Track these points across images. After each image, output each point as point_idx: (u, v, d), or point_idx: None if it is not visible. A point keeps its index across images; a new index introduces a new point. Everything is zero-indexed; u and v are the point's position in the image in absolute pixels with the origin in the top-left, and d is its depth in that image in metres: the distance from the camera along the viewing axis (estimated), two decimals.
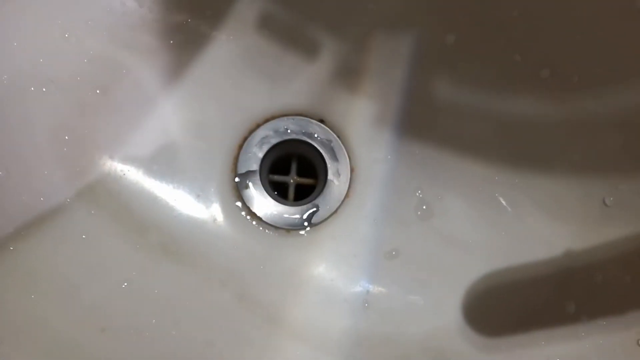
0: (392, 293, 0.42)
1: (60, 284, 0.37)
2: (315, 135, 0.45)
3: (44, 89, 0.39)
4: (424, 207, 0.43)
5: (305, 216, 0.44)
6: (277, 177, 0.47)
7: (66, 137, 0.40)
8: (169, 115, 0.42)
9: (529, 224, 0.41)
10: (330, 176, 0.45)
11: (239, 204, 0.44)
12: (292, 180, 0.47)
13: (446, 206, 0.43)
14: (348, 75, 0.44)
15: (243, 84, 0.44)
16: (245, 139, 0.44)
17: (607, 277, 0.39)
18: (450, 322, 0.41)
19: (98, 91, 0.41)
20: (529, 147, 0.41)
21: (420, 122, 0.44)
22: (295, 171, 0.47)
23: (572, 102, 0.39)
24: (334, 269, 0.43)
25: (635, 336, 0.36)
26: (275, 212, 0.44)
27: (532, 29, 0.39)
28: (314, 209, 0.44)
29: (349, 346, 0.41)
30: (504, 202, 0.42)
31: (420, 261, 0.43)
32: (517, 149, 0.42)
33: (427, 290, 0.42)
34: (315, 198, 0.45)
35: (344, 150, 0.45)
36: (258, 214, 0.44)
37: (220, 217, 0.43)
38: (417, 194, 0.43)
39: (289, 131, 0.45)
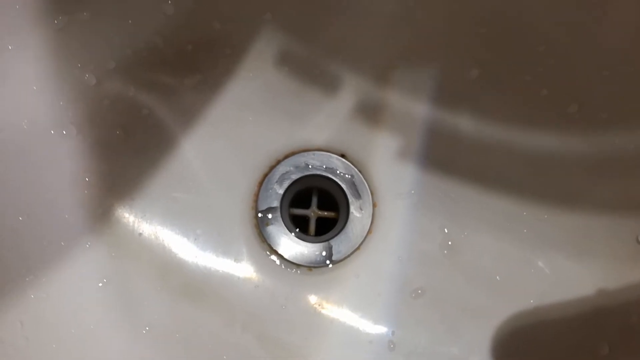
0: (418, 334, 0.41)
1: (81, 331, 0.37)
2: (337, 171, 0.44)
3: (64, 132, 0.39)
4: (450, 244, 0.42)
5: (326, 253, 0.43)
6: (297, 211, 0.47)
7: (87, 179, 0.40)
8: (189, 155, 0.42)
9: (559, 262, 0.40)
10: (352, 212, 0.44)
11: (260, 242, 0.43)
12: (312, 214, 0.46)
13: (472, 243, 0.42)
14: (369, 109, 0.43)
15: (263, 121, 0.43)
16: (265, 175, 0.44)
17: None
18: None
19: (118, 132, 0.41)
20: (557, 183, 0.40)
21: (443, 157, 0.43)
22: (316, 205, 0.47)
23: (601, 138, 0.38)
24: (358, 308, 0.42)
25: None
26: (297, 250, 0.43)
27: (559, 63, 0.38)
28: (336, 245, 0.44)
29: None
30: (532, 239, 0.41)
31: (447, 300, 0.42)
32: (544, 185, 0.41)
33: (454, 331, 0.41)
34: (337, 234, 0.44)
35: (366, 185, 0.44)
36: (279, 252, 0.43)
37: (241, 256, 0.42)
38: (442, 230, 0.43)
39: (309, 166, 0.44)
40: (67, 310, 0.37)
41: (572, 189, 0.40)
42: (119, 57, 0.40)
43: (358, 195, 0.44)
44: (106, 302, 0.38)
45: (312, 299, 0.42)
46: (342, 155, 0.44)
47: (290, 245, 0.44)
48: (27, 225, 0.37)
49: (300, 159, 0.44)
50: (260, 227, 0.43)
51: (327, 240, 0.44)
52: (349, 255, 0.43)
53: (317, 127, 0.44)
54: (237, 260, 0.42)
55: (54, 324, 0.36)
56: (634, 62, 0.36)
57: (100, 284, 0.38)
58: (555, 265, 0.40)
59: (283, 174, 0.44)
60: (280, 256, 0.43)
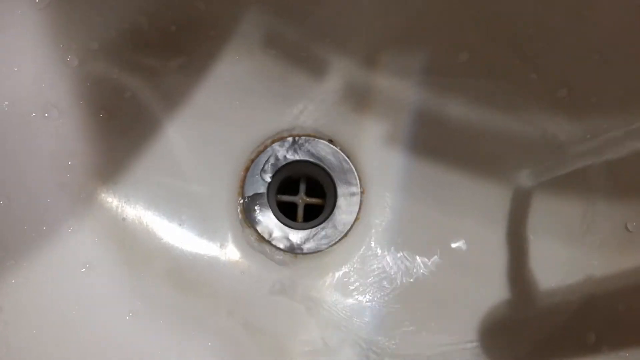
0: (404, 319, 0.41)
1: (62, 316, 0.36)
2: (325, 156, 0.44)
3: (46, 114, 0.38)
4: (437, 230, 0.42)
5: (313, 240, 0.43)
6: (285, 197, 0.46)
7: (69, 163, 0.39)
8: (173, 139, 0.41)
9: (548, 249, 0.39)
10: (340, 198, 0.43)
11: (246, 228, 0.42)
12: (300, 201, 0.46)
13: (460, 229, 0.42)
14: (357, 94, 0.42)
15: (249, 105, 0.42)
16: (252, 160, 0.43)
17: (630, 305, 0.37)
18: (465, 348, 0.40)
19: (101, 115, 0.40)
20: (546, 168, 0.40)
21: (431, 142, 0.42)
22: (304, 191, 0.46)
23: (590, 123, 0.38)
24: (344, 295, 0.41)
25: None
26: (284, 236, 0.43)
27: (549, 47, 0.37)
28: (323, 232, 0.43)
29: None
30: (522, 225, 0.40)
31: (434, 287, 0.41)
32: (534, 170, 0.40)
33: (442, 316, 0.41)
34: (324, 220, 0.44)
35: (354, 171, 0.44)
36: (266, 238, 0.43)
37: (226, 242, 0.42)
38: (430, 216, 0.42)
39: (297, 152, 0.44)
40: (49, 296, 0.36)
41: (561, 175, 0.39)
42: (102, 38, 0.39)
43: (346, 181, 0.44)
44: (88, 288, 0.38)
45: (299, 285, 0.42)
46: (330, 141, 0.44)
47: (277, 232, 0.43)
48: (7, 208, 0.36)
49: (288, 145, 0.44)
50: (246, 213, 0.43)
51: (315, 226, 0.44)
52: (336, 242, 0.43)
53: (305, 112, 0.43)
54: (222, 246, 0.42)
55: (35, 310, 0.35)
56: (625, 46, 0.35)
57: (82, 270, 0.38)
58: (545, 253, 0.40)
59: (270, 160, 0.44)
60: (267, 242, 0.43)
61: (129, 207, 0.40)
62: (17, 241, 0.36)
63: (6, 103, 0.37)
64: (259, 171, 0.43)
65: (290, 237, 0.43)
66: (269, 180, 0.43)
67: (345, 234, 0.43)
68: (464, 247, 0.41)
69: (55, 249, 0.37)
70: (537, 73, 0.39)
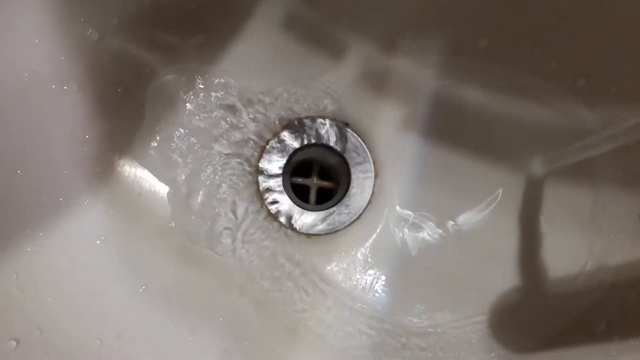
0: (414, 303, 0.41)
1: (77, 287, 0.36)
2: (340, 139, 0.44)
3: (65, 87, 0.38)
4: (450, 216, 0.42)
5: (326, 222, 0.43)
6: (299, 180, 0.46)
7: (87, 137, 0.39)
8: (191, 114, 0.41)
9: (561, 237, 0.40)
10: (353, 181, 0.44)
11: (259, 208, 0.43)
12: (313, 183, 0.46)
13: (473, 215, 0.42)
14: (374, 78, 0.42)
15: (266, 86, 0.42)
16: (268, 141, 0.43)
17: None
18: (474, 331, 0.40)
19: (119, 90, 0.40)
20: (562, 157, 0.40)
21: (448, 128, 0.42)
22: (317, 174, 0.46)
23: (607, 112, 0.38)
24: (355, 277, 0.42)
25: None
26: (297, 217, 0.43)
27: (569, 36, 0.37)
28: (336, 215, 0.43)
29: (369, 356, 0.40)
30: (535, 213, 0.40)
31: (445, 272, 0.41)
32: (547, 157, 0.40)
33: (451, 303, 0.41)
34: (337, 203, 0.44)
35: (369, 154, 0.44)
36: (279, 219, 0.43)
37: (240, 220, 0.42)
38: (444, 203, 0.42)
39: (312, 135, 0.44)
40: (63, 265, 0.36)
41: (577, 163, 0.39)
42: (123, 13, 0.39)
43: (360, 164, 0.44)
44: (103, 259, 0.38)
45: (310, 266, 0.42)
46: (346, 124, 0.44)
47: (290, 213, 0.43)
48: (25, 179, 0.36)
49: (304, 127, 0.44)
50: (261, 193, 0.43)
51: (328, 208, 0.44)
52: (348, 225, 0.43)
53: (322, 94, 0.43)
54: (236, 225, 0.42)
55: (50, 277, 0.35)
56: None
57: (98, 242, 0.38)
58: (558, 241, 0.40)
59: (285, 141, 0.44)
60: (280, 223, 0.43)
61: (144, 182, 0.41)
62: (33, 211, 0.36)
63: (26, 74, 0.37)
64: (274, 152, 0.43)
65: (304, 219, 0.43)
66: (284, 160, 0.44)
67: (358, 217, 0.43)
68: (476, 232, 0.41)
69: (71, 220, 0.37)
70: (556, 61, 0.39)
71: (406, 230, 0.42)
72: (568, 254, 0.39)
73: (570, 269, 0.39)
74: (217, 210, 0.42)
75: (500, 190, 0.42)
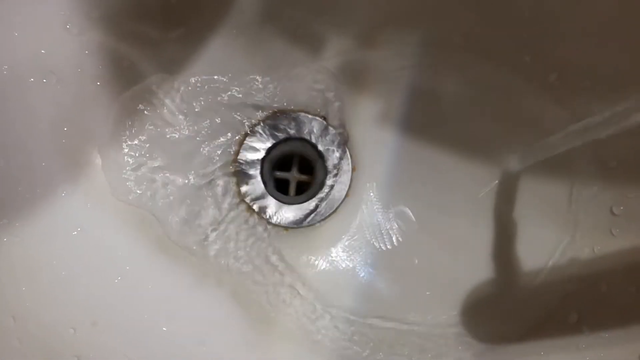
0: (389, 296, 0.41)
1: (52, 276, 0.37)
2: (317, 133, 0.44)
3: (44, 80, 0.39)
4: (426, 209, 0.42)
5: (304, 214, 0.44)
6: (279, 174, 0.47)
7: (65, 129, 0.40)
8: (170, 107, 0.42)
9: (533, 231, 0.40)
10: (330, 175, 0.44)
11: (238, 201, 0.43)
12: (293, 177, 0.47)
13: (448, 208, 0.42)
14: (352, 72, 0.43)
15: (244, 80, 0.43)
16: (246, 134, 0.44)
17: (612, 287, 0.37)
18: (448, 325, 0.40)
19: (99, 83, 0.40)
20: (535, 150, 0.40)
21: (424, 122, 0.43)
22: (297, 168, 0.47)
23: (579, 107, 0.38)
24: (332, 270, 0.42)
25: (637, 350, 0.35)
26: (275, 210, 0.44)
27: (544, 30, 0.38)
28: (314, 208, 0.44)
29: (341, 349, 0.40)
30: (508, 206, 0.41)
31: (420, 265, 0.42)
32: (522, 151, 0.41)
33: (428, 289, 0.41)
34: (314, 196, 0.44)
35: (346, 148, 0.44)
36: (257, 211, 0.43)
37: (219, 213, 0.42)
38: (420, 196, 0.43)
39: (290, 128, 0.44)
40: (40, 255, 0.37)
41: (550, 157, 0.40)
42: (103, 7, 0.40)
43: (338, 158, 0.44)
44: (80, 250, 0.38)
45: (288, 258, 0.42)
46: (323, 118, 0.44)
47: (268, 206, 0.44)
48: (3, 169, 0.37)
49: (282, 121, 0.44)
50: (239, 186, 0.44)
51: (305, 201, 0.44)
52: (326, 218, 0.44)
53: (299, 88, 0.43)
54: (215, 218, 0.42)
55: (26, 267, 0.36)
56: (619, 31, 0.36)
57: (74, 232, 0.39)
58: (529, 234, 0.40)
59: (264, 135, 0.44)
60: (258, 215, 0.43)
61: (123, 175, 0.41)
62: (11, 201, 0.37)
63: (5, 67, 0.38)
64: (253, 146, 0.44)
65: (282, 212, 0.44)
66: (262, 154, 0.44)
67: (335, 210, 0.43)
68: (451, 225, 0.42)
69: (48, 211, 0.38)
70: (531, 56, 0.39)
71: (383, 223, 0.43)
72: (541, 247, 0.40)
73: (543, 262, 0.39)
74: (195, 203, 0.42)
75: (477, 184, 0.42)
